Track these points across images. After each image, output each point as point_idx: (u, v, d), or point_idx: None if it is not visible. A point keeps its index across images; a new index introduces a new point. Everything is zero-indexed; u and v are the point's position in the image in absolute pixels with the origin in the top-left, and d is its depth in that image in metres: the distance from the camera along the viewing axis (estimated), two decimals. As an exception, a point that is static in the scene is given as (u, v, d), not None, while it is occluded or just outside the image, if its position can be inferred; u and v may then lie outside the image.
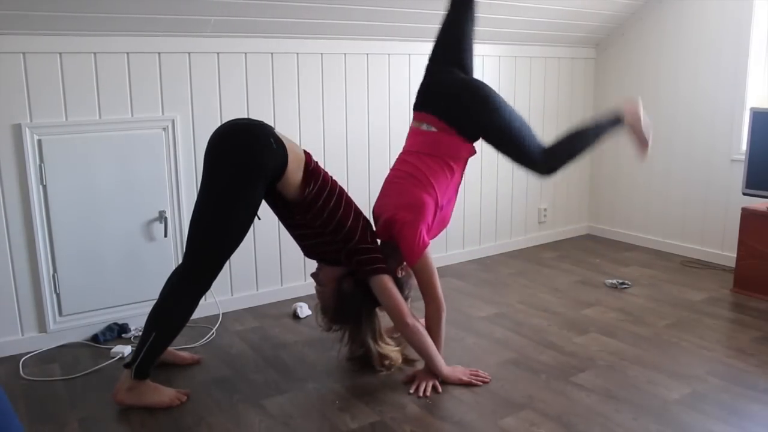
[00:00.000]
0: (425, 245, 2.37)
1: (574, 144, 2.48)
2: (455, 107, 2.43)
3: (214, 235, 2.18)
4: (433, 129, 2.45)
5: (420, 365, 2.49)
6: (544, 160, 2.44)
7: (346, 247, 2.33)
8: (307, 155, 2.32)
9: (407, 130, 3.66)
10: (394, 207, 2.40)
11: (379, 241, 2.50)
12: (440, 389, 2.34)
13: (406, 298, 2.51)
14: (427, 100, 2.50)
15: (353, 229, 2.33)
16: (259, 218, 2.25)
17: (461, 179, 2.55)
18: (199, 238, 2.19)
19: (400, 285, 2.49)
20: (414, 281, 2.54)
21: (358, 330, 2.47)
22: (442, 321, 2.44)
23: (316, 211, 2.27)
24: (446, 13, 2.59)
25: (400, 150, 3.67)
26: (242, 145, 2.16)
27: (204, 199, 2.19)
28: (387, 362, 2.49)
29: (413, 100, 3.66)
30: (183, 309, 2.23)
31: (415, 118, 2.55)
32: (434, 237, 2.53)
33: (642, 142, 2.59)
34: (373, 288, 2.34)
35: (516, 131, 2.42)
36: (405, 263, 2.50)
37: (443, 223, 2.58)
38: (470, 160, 2.60)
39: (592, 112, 4.56)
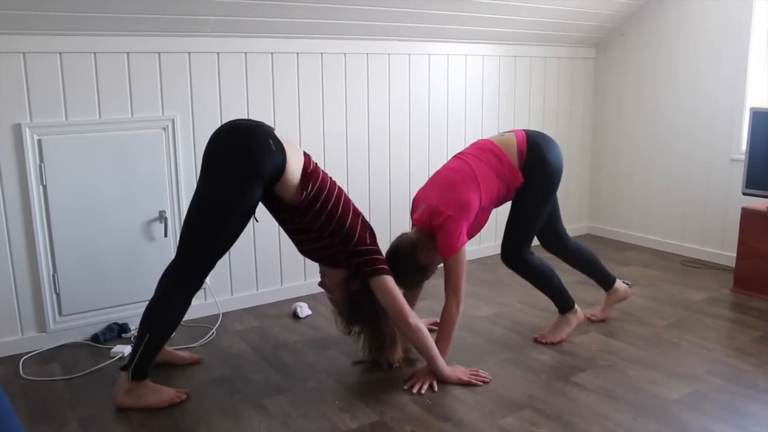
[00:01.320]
0: (463, 242, 2.41)
1: (538, 280, 2.77)
2: (541, 141, 2.60)
3: (208, 236, 2.18)
4: (512, 134, 2.62)
5: (421, 364, 2.49)
6: (516, 257, 2.70)
7: (346, 249, 2.33)
8: (306, 157, 2.31)
9: (408, 129, 3.70)
10: (440, 199, 2.45)
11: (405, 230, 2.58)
12: (436, 388, 2.34)
13: (418, 285, 2.58)
14: (528, 129, 2.71)
15: (352, 230, 2.33)
16: (257, 220, 2.24)
17: (502, 201, 2.65)
18: (194, 237, 2.20)
19: (424, 272, 2.52)
20: (432, 271, 2.57)
21: (377, 328, 2.46)
22: (458, 317, 2.45)
23: (315, 214, 2.27)
24: None
25: (400, 150, 3.70)
26: (241, 146, 2.15)
27: (201, 199, 2.19)
28: (397, 359, 2.50)
29: (413, 99, 3.70)
30: (176, 308, 2.23)
31: (503, 131, 2.74)
32: (469, 239, 2.55)
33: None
34: (374, 289, 2.33)
35: (537, 215, 2.66)
36: (427, 254, 2.49)
37: (479, 226, 2.62)
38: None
39: (592, 112, 4.57)
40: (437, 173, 2.61)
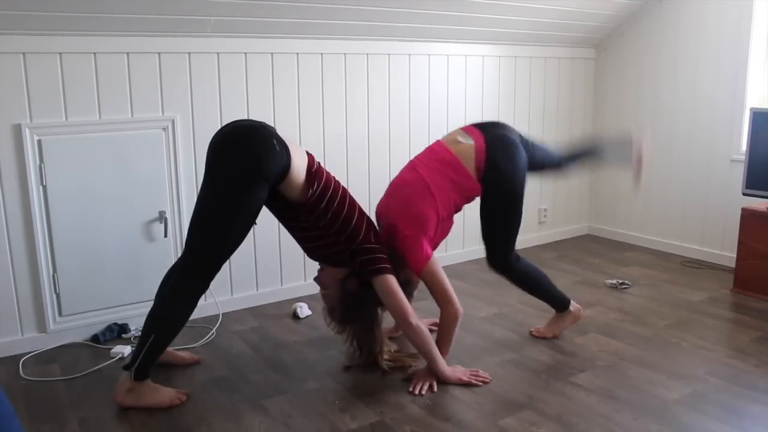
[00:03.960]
0: (428, 257, 2.39)
1: (526, 284, 2.74)
2: (500, 151, 2.51)
3: (214, 237, 2.17)
4: (471, 141, 2.52)
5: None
6: (501, 263, 2.63)
7: (350, 247, 2.33)
8: (310, 156, 2.31)
9: (408, 129, 3.70)
10: (396, 216, 2.43)
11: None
12: (436, 388, 2.35)
13: (408, 297, 2.53)
14: (486, 128, 2.61)
15: (357, 228, 2.33)
16: (255, 223, 2.24)
17: (461, 208, 2.60)
18: (200, 239, 2.19)
19: (407, 285, 2.50)
20: (415, 282, 2.57)
21: (369, 330, 2.47)
22: (456, 324, 2.44)
23: (320, 212, 2.27)
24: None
25: (400, 150, 3.69)
26: (245, 147, 2.15)
27: (206, 200, 2.18)
28: (395, 363, 2.51)
29: (413, 99, 3.70)
30: (181, 310, 2.23)
31: (460, 129, 2.63)
32: (435, 248, 2.55)
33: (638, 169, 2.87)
34: (376, 288, 2.34)
35: (509, 223, 2.58)
36: (404, 270, 2.51)
37: (444, 233, 2.61)
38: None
39: (592, 112, 4.57)
40: (392, 184, 2.56)
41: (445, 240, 3.94)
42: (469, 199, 2.58)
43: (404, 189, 2.49)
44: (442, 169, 2.49)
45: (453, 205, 2.53)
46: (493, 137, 2.55)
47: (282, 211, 2.33)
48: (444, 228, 2.57)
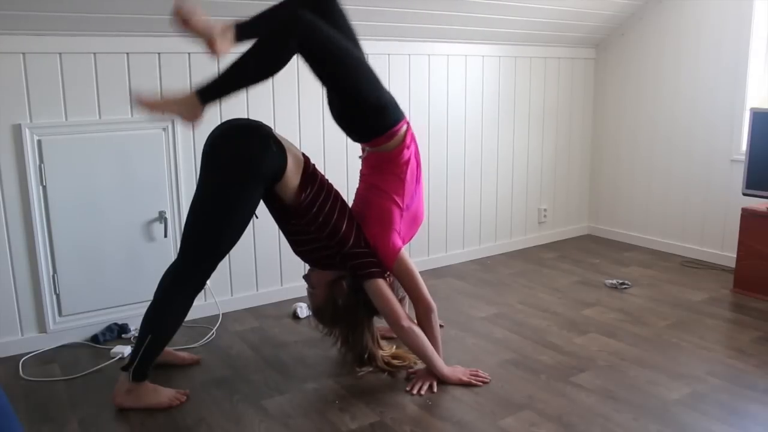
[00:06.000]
0: (396, 250, 2.39)
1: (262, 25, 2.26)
2: (345, 127, 2.40)
3: (209, 236, 2.17)
4: (368, 149, 2.46)
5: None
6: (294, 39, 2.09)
7: (341, 252, 2.33)
8: (306, 158, 2.31)
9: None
10: (363, 224, 2.42)
11: None
12: (435, 388, 2.35)
13: (400, 301, 2.52)
14: (346, 126, 2.46)
15: (347, 234, 2.33)
16: (256, 217, 2.24)
17: (417, 167, 2.47)
18: (195, 238, 2.19)
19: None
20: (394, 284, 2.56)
21: (354, 334, 2.46)
22: (434, 321, 2.44)
23: (312, 216, 2.27)
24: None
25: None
26: (241, 146, 2.15)
27: (201, 198, 2.18)
28: (401, 360, 2.51)
29: (413, 100, 3.70)
30: (178, 309, 2.23)
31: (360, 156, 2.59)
32: (412, 237, 2.56)
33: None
34: (368, 292, 2.34)
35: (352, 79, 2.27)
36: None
37: (416, 221, 2.58)
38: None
39: (591, 112, 4.57)
40: (353, 203, 2.55)
41: (445, 240, 3.96)
42: (406, 147, 2.40)
43: (362, 193, 2.50)
44: (376, 170, 2.45)
45: (409, 180, 2.43)
46: (347, 131, 2.42)
47: (276, 212, 2.34)
48: (413, 215, 2.53)
